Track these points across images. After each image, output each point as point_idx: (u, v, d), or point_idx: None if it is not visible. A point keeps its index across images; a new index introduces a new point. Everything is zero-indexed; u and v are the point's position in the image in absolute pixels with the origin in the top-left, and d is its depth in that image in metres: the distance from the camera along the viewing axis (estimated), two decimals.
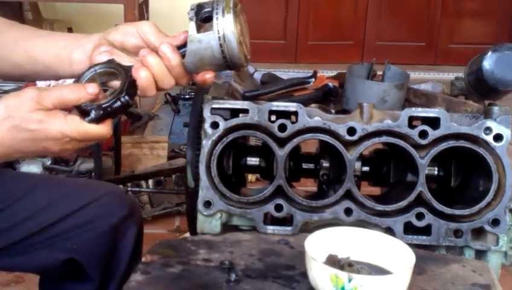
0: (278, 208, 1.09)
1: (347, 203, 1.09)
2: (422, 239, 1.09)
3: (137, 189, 2.62)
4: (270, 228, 1.10)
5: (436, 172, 1.17)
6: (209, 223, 1.11)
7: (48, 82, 2.29)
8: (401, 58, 5.10)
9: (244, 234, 1.10)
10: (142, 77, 0.94)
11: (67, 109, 0.93)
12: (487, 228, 1.07)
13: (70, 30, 4.39)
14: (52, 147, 0.93)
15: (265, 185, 1.13)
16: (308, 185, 1.32)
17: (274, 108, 1.09)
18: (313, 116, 1.08)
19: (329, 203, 1.09)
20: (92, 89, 0.93)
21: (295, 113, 1.08)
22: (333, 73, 1.47)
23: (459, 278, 0.97)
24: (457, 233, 1.09)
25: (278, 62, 5.39)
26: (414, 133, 1.06)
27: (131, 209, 1.26)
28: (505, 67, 1.15)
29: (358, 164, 1.15)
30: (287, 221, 1.11)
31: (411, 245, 0.96)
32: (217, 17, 0.92)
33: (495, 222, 1.07)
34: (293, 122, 1.08)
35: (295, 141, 1.08)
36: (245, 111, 1.09)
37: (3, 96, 0.94)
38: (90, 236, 1.19)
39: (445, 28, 5.72)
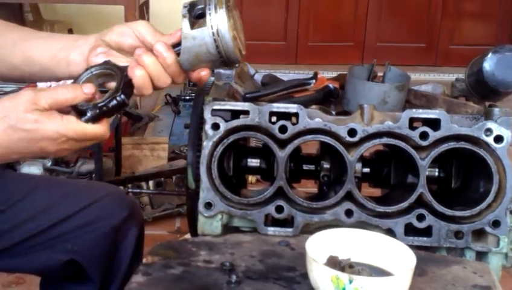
0: (279, 209, 1.09)
1: (348, 205, 1.09)
2: (423, 240, 1.09)
3: (138, 190, 2.62)
4: (271, 230, 1.10)
5: (436, 173, 1.18)
6: (209, 224, 1.11)
7: (48, 83, 2.29)
8: (401, 59, 5.09)
9: (244, 235, 1.10)
10: (137, 75, 0.95)
11: (65, 110, 0.93)
12: (488, 229, 1.07)
13: (70, 31, 4.39)
14: (48, 147, 0.93)
15: (266, 186, 1.13)
16: (308, 187, 1.32)
17: (275, 109, 1.09)
18: (313, 118, 1.08)
19: (329, 204, 1.09)
20: (88, 89, 0.93)
21: (296, 115, 1.08)
22: (333, 74, 1.47)
23: (460, 280, 0.97)
24: (458, 234, 1.09)
25: (278, 63, 5.38)
26: (415, 135, 1.06)
27: (131, 211, 1.26)
28: (505, 68, 1.15)
29: (358, 165, 1.15)
30: (287, 222, 1.11)
31: (412, 246, 0.96)
32: (209, 13, 0.92)
33: (496, 224, 1.07)
34: (293, 124, 1.08)
35: (296, 142, 1.08)
36: (246, 112, 1.09)
37: (1, 97, 0.94)
38: (91, 237, 1.19)
39: (446, 29, 5.72)
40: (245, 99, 1.22)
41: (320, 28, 5.62)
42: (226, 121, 1.09)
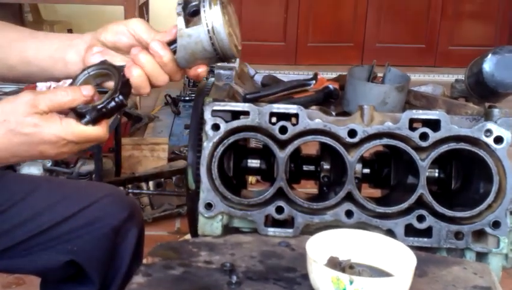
0: (279, 210, 1.09)
1: (348, 205, 1.09)
2: (423, 241, 1.09)
3: (138, 191, 2.62)
4: (271, 230, 1.10)
5: (436, 174, 1.18)
6: (210, 225, 1.11)
7: (48, 84, 2.29)
8: (401, 60, 5.10)
9: (245, 236, 1.10)
10: (134, 75, 0.94)
11: (64, 112, 0.93)
12: (488, 230, 1.07)
13: (70, 31, 4.39)
14: (48, 150, 0.93)
15: (266, 187, 1.13)
16: (308, 187, 1.32)
17: (275, 110, 1.09)
18: (313, 119, 1.08)
19: (330, 205, 1.09)
20: (87, 91, 0.93)
21: (296, 116, 1.08)
22: (333, 75, 1.47)
23: (460, 281, 0.98)
24: (458, 235, 1.09)
25: (277, 64, 5.38)
26: (415, 136, 1.06)
27: (131, 211, 1.26)
28: (505, 69, 1.15)
29: (359, 166, 1.15)
30: (288, 223, 1.11)
31: (412, 247, 0.96)
32: (204, 10, 0.92)
33: (496, 224, 1.07)
34: (293, 125, 1.08)
35: (296, 143, 1.08)
36: (246, 113, 1.09)
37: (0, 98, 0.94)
38: (90, 238, 1.19)
39: (445, 30, 5.72)
40: (245, 100, 1.22)
41: (319, 28, 5.63)
42: (226, 121, 1.09)
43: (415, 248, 1.03)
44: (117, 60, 0.99)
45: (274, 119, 1.10)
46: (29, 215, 1.18)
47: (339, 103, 1.28)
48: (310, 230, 1.09)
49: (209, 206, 1.10)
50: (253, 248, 1.05)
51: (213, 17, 0.91)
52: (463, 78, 1.25)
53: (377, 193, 1.28)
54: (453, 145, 1.07)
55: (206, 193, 1.09)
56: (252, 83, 1.39)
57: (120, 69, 0.95)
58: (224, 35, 0.92)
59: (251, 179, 2.58)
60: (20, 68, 1.07)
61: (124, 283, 1.21)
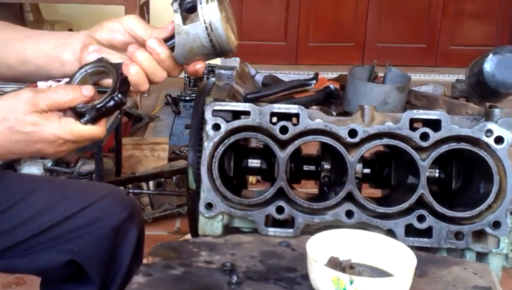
0: (279, 210, 1.09)
1: (348, 206, 1.09)
2: (423, 241, 1.09)
3: (138, 191, 2.62)
4: (272, 230, 1.10)
5: (437, 174, 1.18)
6: (210, 225, 1.11)
7: (49, 83, 2.29)
8: (401, 60, 5.10)
9: (245, 236, 1.10)
10: (132, 72, 0.94)
11: (63, 110, 0.93)
12: (488, 230, 1.07)
13: (71, 31, 4.39)
14: (46, 149, 0.93)
15: (266, 186, 1.13)
16: (308, 187, 1.32)
17: (275, 110, 1.09)
18: (314, 118, 1.08)
19: (330, 205, 1.09)
20: (88, 91, 0.93)
21: (296, 115, 1.08)
22: (334, 75, 1.47)
23: (460, 281, 0.98)
24: (458, 235, 1.09)
25: (278, 64, 5.39)
26: (415, 136, 1.06)
27: (132, 211, 1.26)
28: (505, 69, 1.15)
29: (359, 166, 1.15)
30: (288, 223, 1.11)
31: (412, 247, 0.96)
32: (201, 7, 0.91)
33: (496, 225, 1.07)
34: (294, 124, 1.08)
35: (296, 143, 1.08)
36: (246, 113, 1.09)
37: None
38: (91, 238, 1.19)
39: (446, 30, 5.72)
40: (246, 100, 1.22)
41: (320, 28, 5.63)
42: (227, 121, 1.09)
43: (415, 248, 1.03)
44: (114, 58, 0.98)
45: (275, 119, 1.10)
46: (29, 215, 1.18)
47: (339, 102, 1.28)
48: (310, 230, 1.09)
49: (209, 206, 1.10)
50: (254, 248, 1.05)
51: (210, 13, 0.91)
52: (464, 78, 1.25)
53: (377, 193, 1.28)
54: (453, 145, 1.07)
55: (206, 193, 1.09)
56: (253, 83, 1.39)
57: (118, 67, 0.95)
58: (222, 31, 0.92)
59: (251, 179, 2.58)
60: (18, 67, 1.07)
61: (124, 282, 1.21)
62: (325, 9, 5.59)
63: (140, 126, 3.59)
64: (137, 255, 1.27)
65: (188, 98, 4.05)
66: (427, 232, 1.09)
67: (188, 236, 1.27)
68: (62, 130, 0.91)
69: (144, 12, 4.20)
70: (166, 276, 0.95)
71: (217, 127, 1.08)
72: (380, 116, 1.09)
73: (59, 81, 1.21)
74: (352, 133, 1.07)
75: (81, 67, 0.97)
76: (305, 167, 1.21)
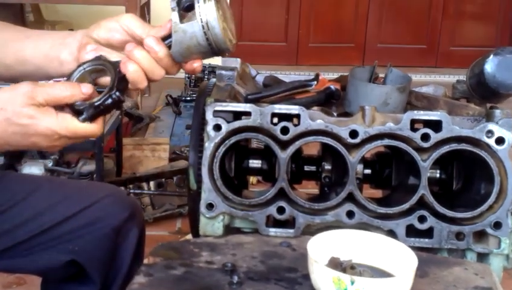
0: (280, 210, 1.09)
1: (349, 206, 1.09)
2: (424, 242, 1.09)
3: (139, 191, 2.62)
4: (272, 231, 1.10)
5: (438, 175, 1.18)
6: (211, 225, 1.11)
7: (50, 82, 2.28)
8: (402, 60, 5.10)
9: (246, 236, 1.10)
10: (130, 70, 0.94)
11: (61, 107, 0.94)
12: (489, 231, 1.07)
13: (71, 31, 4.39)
14: (40, 142, 0.93)
15: (267, 187, 1.13)
16: (309, 188, 1.32)
17: (276, 111, 1.09)
18: (315, 119, 1.08)
19: (331, 205, 1.09)
20: (86, 89, 0.93)
21: (297, 116, 1.08)
22: (334, 75, 1.47)
23: (461, 281, 0.98)
24: (459, 236, 1.09)
25: (278, 64, 5.39)
26: (416, 136, 1.06)
27: (132, 211, 1.26)
28: (506, 70, 1.15)
29: (360, 167, 1.15)
30: (289, 223, 1.11)
31: (413, 248, 0.96)
32: (198, 6, 0.92)
33: (497, 225, 1.07)
34: (295, 125, 1.08)
35: (297, 143, 1.08)
36: (247, 114, 1.09)
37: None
38: (91, 238, 1.19)
39: (447, 31, 5.72)
40: (247, 100, 1.22)
41: (321, 29, 5.63)
42: (228, 122, 1.09)
43: (416, 249, 1.03)
44: (112, 56, 0.98)
45: (276, 120, 1.10)
46: (30, 215, 1.18)
47: (340, 103, 1.28)
48: (311, 230, 1.09)
49: (210, 206, 1.10)
50: (255, 248, 1.05)
51: (207, 12, 0.91)
52: (464, 79, 1.26)
53: (378, 193, 1.28)
54: (454, 146, 1.07)
55: (207, 193, 1.10)
56: (254, 84, 1.39)
57: (116, 65, 0.95)
58: (218, 30, 0.92)
59: (252, 179, 2.58)
60: (16, 67, 1.07)
61: (124, 282, 1.21)
62: (326, 10, 5.59)
63: (141, 126, 3.59)
64: (138, 255, 1.27)
65: (188, 98, 4.05)
66: (428, 233, 1.09)
67: (189, 236, 1.27)
68: (58, 125, 0.92)
69: (144, 13, 4.20)
70: (167, 276, 0.95)
71: (217, 127, 1.08)
72: (381, 117, 1.09)
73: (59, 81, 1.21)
74: (353, 133, 1.07)
75: (79, 66, 0.97)
76: (306, 168, 1.21)
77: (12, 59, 1.07)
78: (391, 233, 1.09)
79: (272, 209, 1.09)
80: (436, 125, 1.07)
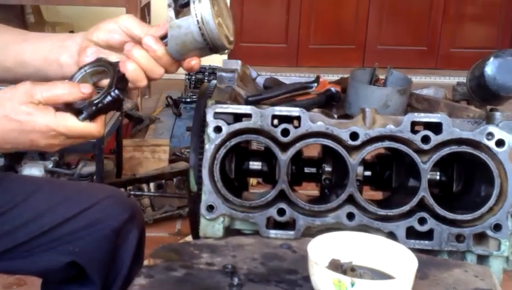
0: (281, 212, 1.09)
1: (349, 208, 1.09)
2: (424, 244, 1.09)
3: (139, 192, 2.63)
4: (273, 232, 1.10)
5: (438, 177, 1.18)
6: (211, 227, 1.11)
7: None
8: (402, 62, 5.11)
9: (246, 238, 1.11)
10: (130, 69, 0.95)
11: (62, 108, 0.94)
12: (489, 233, 1.07)
13: (72, 33, 4.39)
14: (38, 139, 0.93)
15: (267, 188, 1.13)
16: (309, 189, 1.32)
17: (277, 113, 1.09)
18: (315, 121, 1.08)
19: (331, 207, 1.09)
20: (86, 89, 0.93)
21: (298, 118, 1.08)
22: (334, 77, 1.47)
23: (461, 283, 0.98)
24: (459, 238, 1.09)
25: (279, 66, 5.39)
26: (416, 138, 1.06)
27: (132, 213, 1.26)
28: (507, 73, 1.16)
29: (360, 169, 1.15)
30: (289, 225, 1.11)
31: (413, 250, 0.96)
32: (193, 1, 0.92)
33: (497, 227, 1.07)
34: (295, 127, 1.08)
35: (298, 145, 1.08)
36: (248, 116, 1.09)
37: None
38: (92, 239, 1.20)
39: (447, 32, 5.73)
40: (247, 102, 1.22)
41: (321, 30, 5.63)
42: (229, 124, 1.09)
43: (416, 251, 1.04)
44: (112, 58, 0.99)
45: (276, 122, 1.10)
46: (30, 216, 1.18)
47: (341, 105, 1.28)
48: (311, 232, 1.09)
49: (210, 208, 1.10)
50: (255, 250, 1.05)
51: (202, 8, 0.92)
52: (464, 81, 1.26)
53: (378, 195, 1.28)
54: (454, 148, 1.07)
55: (207, 195, 1.10)
56: (254, 86, 1.39)
57: (115, 65, 0.96)
58: (213, 25, 0.92)
59: (252, 180, 2.58)
60: (16, 70, 1.07)
61: (124, 284, 1.21)
62: (326, 11, 5.60)
63: (141, 128, 3.59)
64: (138, 256, 1.27)
65: (188, 99, 4.06)
66: (428, 235, 1.09)
67: (189, 238, 1.27)
68: (56, 123, 0.92)
69: (145, 14, 4.21)
70: (168, 278, 0.95)
71: (218, 129, 1.09)
72: (381, 119, 1.09)
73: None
74: (354, 135, 1.07)
75: (80, 68, 0.98)
76: (306, 169, 1.21)
77: (12, 61, 1.07)
78: (391, 235, 1.09)
79: (272, 211, 1.09)
80: (436, 128, 1.07)
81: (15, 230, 1.17)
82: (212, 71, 3.95)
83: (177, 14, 0.94)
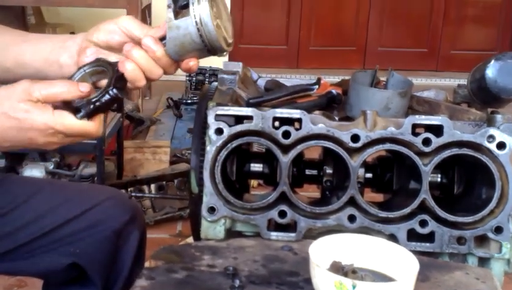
0: (282, 214, 1.09)
1: (350, 210, 1.09)
2: (425, 246, 1.09)
3: (140, 194, 2.63)
4: (274, 234, 1.10)
5: (439, 179, 1.18)
6: (213, 228, 1.11)
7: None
8: (403, 64, 5.11)
9: (248, 240, 1.11)
10: (128, 69, 0.95)
11: (60, 106, 0.94)
12: (490, 235, 1.08)
13: (72, 34, 4.39)
14: (37, 137, 0.94)
15: (268, 190, 1.14)
16: (310, 191, 1.32)
17: (278, 115, 1.09)
18: (316, 123, 1.08)
19: (332, 209, 1.10)
20: (84, 88, 0.94)
21: (299, 120, 1.09)
22: (335, 79, 1.47)
23: (463, 286, 0.98)
24: (460, 240, 1.09)
25: (279, 68, 5.39)
26: (417, 141, 1.07)
27: (133, 214, 1.26)
28: (507, 75, 1.16)
29: (361, 171, 1.15)
30: (290, 227, 1.11)
31: (414, 252, 0.96)
32: (192, 3, 0.92)
33: (498, 230, 1.07)
34: (296, 129, 1.08)
35: (299, 147, 1.08)
36: (249, 118, 1.09)
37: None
38: (93, 240, 1.20)
39: (447, 35, 5.73)
40: (248, 104, 1.22)
41: (321, 32, 5.64)
42: (230, 126, 1.09)
43: (418, 253, 1.04)
44: (112, 58, 0.99)
45: (277, 124, 1.10)
46: (31, 217, 1.18)
47: (341, 108, 1.28)
48: (312, 234, 1.09)
49: (212, 210, 1.10)
50: (256, 252, 1.05)
51: (201, 10, 0.92)
52: (465, 84, 1.26)
53: (379, 197, 1.28)
54: (455, 151, 1.07)
55: (209, 197, 1.10)
56: (255, 88, 1.39)
57: (114, 65, 0.96)
58: (211, 27, 0.92)
59: (252, 182, 2.58)
60: (16, 70, 1.08)
61: (125, 285, 1.21)
62: (326, 13, 5.60)
63: (141, 129, 3.59)
64: (139, 258, 1.27)
65: (189, 101, 4.06)
66: (429, 237, 1.09)
67: (190, 239, 1.27)
68: (54, 121, 0.92)
69: (145, 16, 4.21)
70: (169, 280, 0.95)
71: (219, 131, 1.09)
72: (382, 122, 1.09)
73: None
74: (355, 138, 1.07)
75: (79, 68, 0.98)
76: (308, 172, 1.21)
77: (12, 62, 1.07)
78: (392, 237, 1.09)
79: (274, 213, 1.09)
80: (437, 130, 1.07)
81: (16, 231, 1.17)
82: (213, 73, 3.96)
83: (177, 15, 0.94)
